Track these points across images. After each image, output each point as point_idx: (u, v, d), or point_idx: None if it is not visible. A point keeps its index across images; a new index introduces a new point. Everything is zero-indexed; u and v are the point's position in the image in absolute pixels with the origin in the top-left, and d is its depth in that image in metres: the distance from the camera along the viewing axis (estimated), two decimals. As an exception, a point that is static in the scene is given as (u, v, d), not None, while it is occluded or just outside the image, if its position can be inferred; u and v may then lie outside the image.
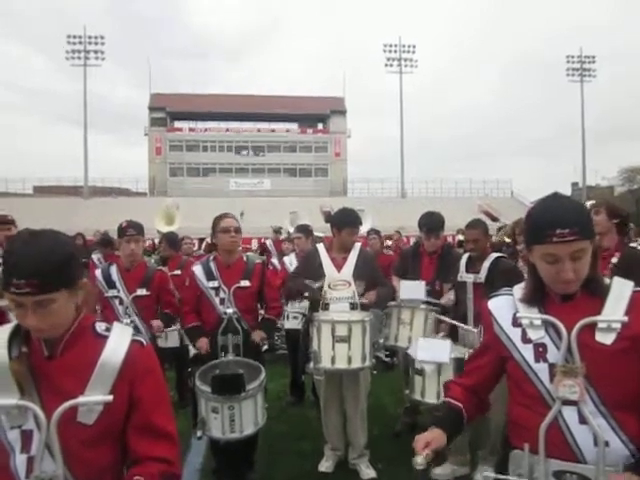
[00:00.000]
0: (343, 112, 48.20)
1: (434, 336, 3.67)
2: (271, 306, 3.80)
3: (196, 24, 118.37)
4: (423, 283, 3.98)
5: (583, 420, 1.42)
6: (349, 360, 3.36)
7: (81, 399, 1.32)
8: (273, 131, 48.16)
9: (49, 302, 1.30)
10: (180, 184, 44.21)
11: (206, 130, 47.60)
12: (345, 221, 3.85)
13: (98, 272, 3.96)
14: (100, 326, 1.46)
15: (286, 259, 5.81)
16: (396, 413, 4.71)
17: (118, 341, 1.43)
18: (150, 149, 46.62)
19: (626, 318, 1.43)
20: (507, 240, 6.55)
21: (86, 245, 8.44)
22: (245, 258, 3.75)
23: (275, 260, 6.41)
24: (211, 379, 3.06)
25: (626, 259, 3.15)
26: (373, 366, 3.56)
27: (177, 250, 6.22)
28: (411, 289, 3.96)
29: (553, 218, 1.44)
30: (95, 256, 6.89)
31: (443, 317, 3.82)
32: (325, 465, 3.80)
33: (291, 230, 7.71)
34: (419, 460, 1.48)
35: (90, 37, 39.42)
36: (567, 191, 36.88)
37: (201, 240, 10.39)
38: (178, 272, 5.34)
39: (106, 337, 1.43)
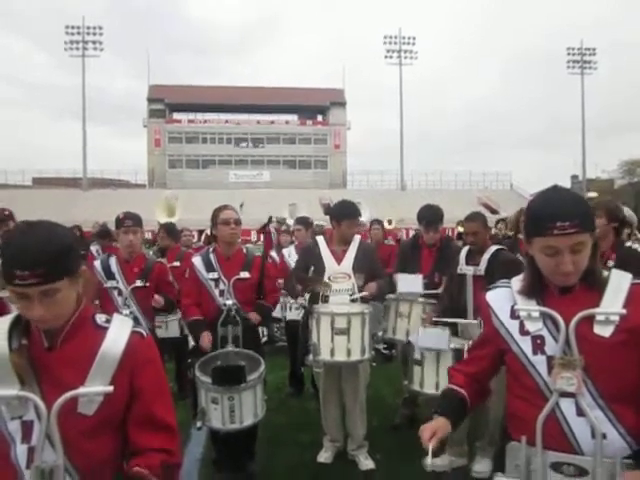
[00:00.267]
0: (343, 104, 48.05)
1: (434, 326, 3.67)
2: (269, 296, 3.80)
3: (196, 16, 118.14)
4: (420, 276, 3.99)
5: (581, 412, 1.42)
6: (348, 352, 3.36)
7: (81, 390, 1.32)
8: (272, 123, 48.01)
9: (54, 291, 1.31)
10: (179, 176, 44.14)
11: (205, 122, 47.48)
12: (344, 213, 3.84)
13: (97, 263, 3.96)
14: (100, 317, 1.47)
15: (285, 251, 5.78)
16: (395, 404, 4.73)
17: (118, 332, 1.43)
18: (149, 141, 46.50)
19: (624, 311, 1.43)
20: (509, 234, 6.56)
21: (83, 237, 8.43)
22: (245, 250, 3.76)
23: (274, 253, 6.31)
24: (212, 370, 3.07)
25: (622, 257, 3.15)
26: (372, 358, 3.58)
27: (176, 240, 6.15)
28: (409, 282, 3.97)
29: (553, 211, 1.43)
30: (93, 247, 6.87)
31: (442, 318, 3.82)
32: (324, 456, 3.82)
33: (290, 222, 7.68)
34: (429, 462, 1.48)
35: (89, 27, 39.29)
36: (567, 184, 36.70)
37: (200, 232, 10.38)
38: (177, 263, 5.33)
39: (106, 328, 1.43)
